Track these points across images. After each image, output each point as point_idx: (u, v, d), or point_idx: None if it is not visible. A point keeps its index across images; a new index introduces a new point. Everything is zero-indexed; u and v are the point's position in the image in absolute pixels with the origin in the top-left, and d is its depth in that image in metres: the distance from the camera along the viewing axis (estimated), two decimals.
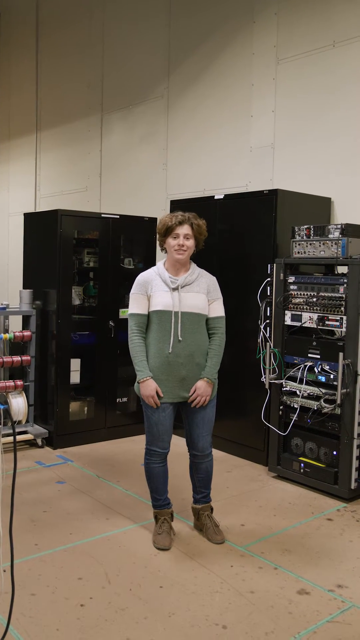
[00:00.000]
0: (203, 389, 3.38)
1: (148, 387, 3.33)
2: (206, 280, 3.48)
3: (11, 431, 5.03)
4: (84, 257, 5.54)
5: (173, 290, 3.38)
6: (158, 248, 5.61)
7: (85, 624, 2.66)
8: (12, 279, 9.22)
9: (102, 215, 5.37)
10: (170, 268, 3.46)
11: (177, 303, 3.35)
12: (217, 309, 3.49)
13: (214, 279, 3.55)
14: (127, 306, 5.50)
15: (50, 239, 5.12)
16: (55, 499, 4.03)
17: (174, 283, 3.39)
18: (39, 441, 5.12)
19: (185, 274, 3.43)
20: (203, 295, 3.43)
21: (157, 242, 3.56)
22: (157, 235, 3.52)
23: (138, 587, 2.96)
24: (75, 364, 5.24)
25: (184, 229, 3.38)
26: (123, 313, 5.43)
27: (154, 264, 5.63)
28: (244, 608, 2.81)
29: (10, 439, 5.03)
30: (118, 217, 5.43)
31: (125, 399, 5.57)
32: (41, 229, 5.40)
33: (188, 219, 3.41)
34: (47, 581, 3.00)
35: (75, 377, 5.25)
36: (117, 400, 5.50)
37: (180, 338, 3.33)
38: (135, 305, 3.45)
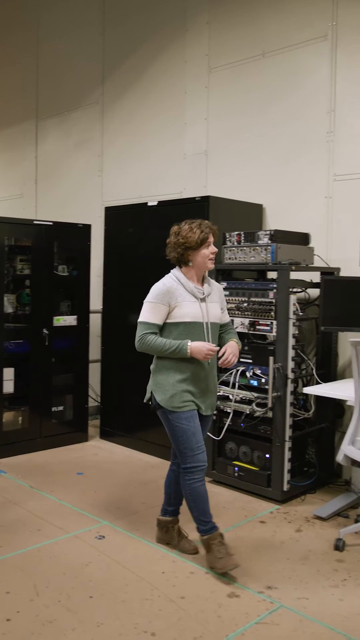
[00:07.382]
0: (235, 348, 3.32)
1: (198, 346, 3.12)
2: (218, 289, 3.45)
3: None
4: (17, 264, 5.44)
5: (201, 301, 3.26)
6: (93, 255, 5.66)
7: (12, 638, 2.60)
8: None
9: (35, 222, 5.29)
10: (194, 278, 3.30)
11: (206, 313, 3.26)
12: (228, 316, 3.53)
13: (221, 287, 3.55)
14: (62, 314, 5.50)
15: None
16: None
17: (202, 293, 3.27)
18: None
19: (205, 283, 3.35)
20: (218, 304, 3.38)
21: (178, 256, 3.26)
22: (184, 249, 3.22)
23: (67, 598, 2.92)
24: (8, 373, 5.14)
25: (213, 237, 3.29)
26: (57, 321, 5.36)
27: (88, 271, 5.64)
28: (173, 614, 2.80)
29: None
30: (51, 224, 5.36)
31: (61, 408, 5.49)
32: None
33: (211, 226, 3.31)
34: None
35: (9, 387, 5.15)
36: (53, 409, 5.42)
37: None
38: (152, 315, 3.20)
